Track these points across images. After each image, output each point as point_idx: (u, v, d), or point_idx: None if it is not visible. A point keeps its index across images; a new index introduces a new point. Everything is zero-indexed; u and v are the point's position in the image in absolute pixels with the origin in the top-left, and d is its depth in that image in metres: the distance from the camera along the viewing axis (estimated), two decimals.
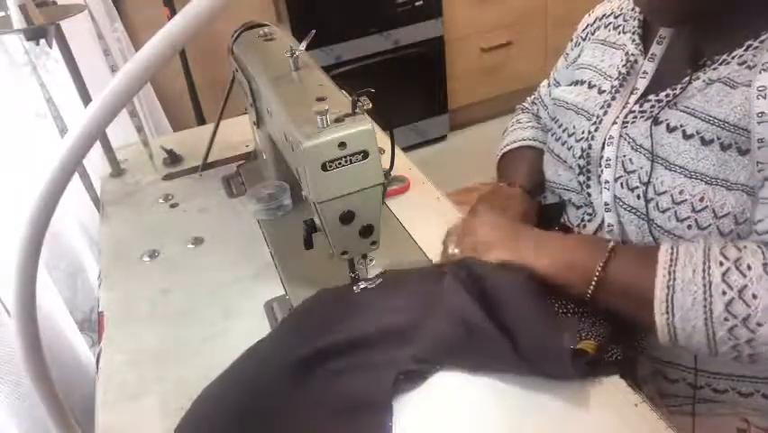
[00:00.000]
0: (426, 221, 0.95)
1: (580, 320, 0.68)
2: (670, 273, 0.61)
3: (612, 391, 0.64)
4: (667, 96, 0.71)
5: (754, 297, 0.57)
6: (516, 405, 0.63)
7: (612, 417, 0.61)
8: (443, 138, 2.86)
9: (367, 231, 0.72)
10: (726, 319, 0.58)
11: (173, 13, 1.92)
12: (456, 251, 0.76)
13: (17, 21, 0.99)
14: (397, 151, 0.97)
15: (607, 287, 0.66)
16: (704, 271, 0.60)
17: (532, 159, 0.97)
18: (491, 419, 0.63)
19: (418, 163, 1.10)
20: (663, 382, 0.77)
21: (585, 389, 0.64)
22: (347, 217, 0.70)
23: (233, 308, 0.82)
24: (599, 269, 0.66)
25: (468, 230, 0.77)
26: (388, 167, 0.77)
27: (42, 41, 1.03)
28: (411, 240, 0.91)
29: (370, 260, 0.83)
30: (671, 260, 0.62)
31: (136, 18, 2.06)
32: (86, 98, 1.14)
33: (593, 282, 0.66)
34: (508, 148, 1.02)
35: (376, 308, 0.74)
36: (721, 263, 0.59)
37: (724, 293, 0.58)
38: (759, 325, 0.57)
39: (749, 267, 0.58)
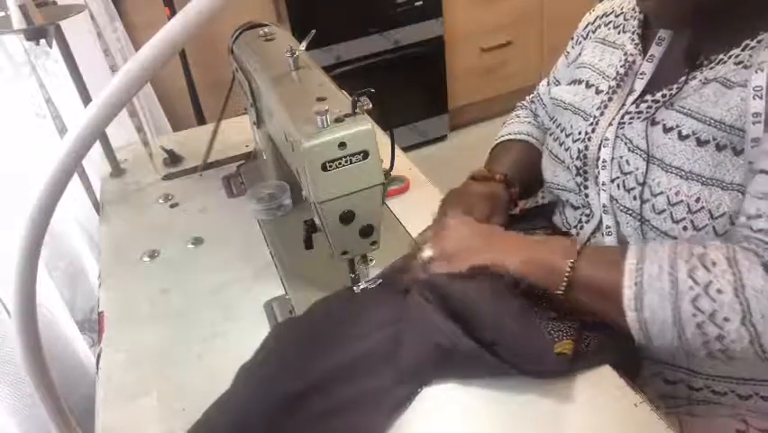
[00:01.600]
0: (426, 221, 0.94)
1: (549, 321, 0.68)
2: (637, 270, 0.61)
3: (612, 391, 0.64)
4: (663, 96, 0.71)
5: (719, 292, 0.57)
6: (516, 406, 0.63)
7: (612, 417, 0.61)
8: (443, 138, 2.86)
9: (367, 231, 0.72)
10: (693, 315, 0.58)
11: (173, 13, 1.92)
12: (429, 254, 0.74)
13: (17, 21, 0.99)
14: (397, 151, 0.97)
15: (578, 285, 0.66)
16: (670, 266, 0.60)
17: (521, 151, 0.97)
18: (490, 421, 0.63)
19: (418, 163, 1.10)
20: (662, 383, 0.77)
21: (585, 389, 0.64)
22: (347, 217, 0.70)
23: (233, 308, 0.82)
24: (569, 267, 0.66)
25: (439, 238, 0.76)
26: (388, 167, 0.77)
27: (42, 41, 1.03)
28: (411, 240, 0.91)
29: (371, 260, 0.83)
30: (637, 257, 0.62)
31: (136, 18, 2.06)
32: (86, 98, 1.14)
33: (564, 281, 0.66)
34: (500, 140, 1.02)
35: (350, 334, 0.72)
36: (687, 260, 0.60)
37: (691, 288, 0.58)
38: (726, 320, 0.57)
39: (713, 263, 0.59)
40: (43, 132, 1.46)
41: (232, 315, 0.81)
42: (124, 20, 2.01)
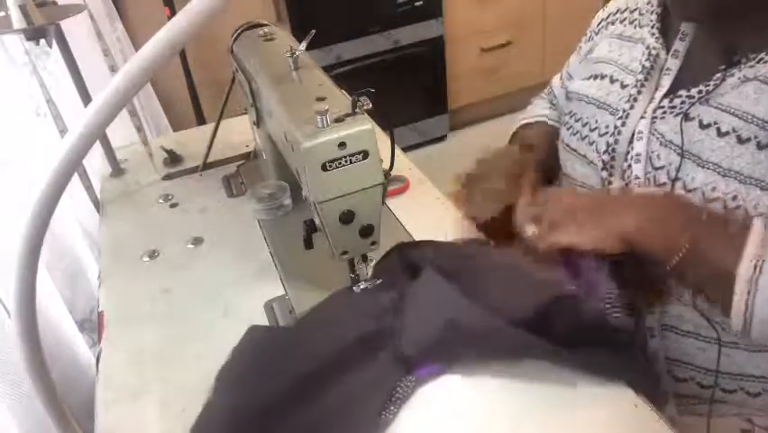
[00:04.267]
0: (426, 221, 0.95)
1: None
2: (759, 256, 0.58)
3: (612, 391, 0.64)
4: (699, 92, 0.70)
5: None
6: (516, 406, 0.63)
7: (612, 417, 0.61)
8: (443, 138, 2.86)
9: (367, 231, 0.72)
10: None
11: (173, 13, 1.93)
12: (533, 230, 0.72)
13: (17, 21, 0.99)
14: (397, 151, 0.97)
15: (692, 259, 0.62)
16: None
17: (551, 135, 0.96)
18: (489, 420, 0.63)
19: (418, 163, 1.10)
20: (672, 381, 0.77)
21: (585, 389, 0.64)
22: (347, 217, 0.70)
23: (233, 308, 0.82)
24: (688, 241, 0.62)
25: (545, 209, 0.72)
26: (388, 167, 0.77)
27: (42, 41, 1.03)
28: (411, 240, 0.91)
29: (371, 260, 0.83)
30: (763, 240, 0.59)
31: (136, 18, 2.06)
32: (86, 98, 1.14)
33: (679, 254, 0.62)
34: (526, 121, 1.01)
35: (331, 335, 0.71)
36: None
37: None
38: None
39: None
40: (43, 132, 1.46)
41: (232, 315, 0.81)
42: (124, 20, 2.01)
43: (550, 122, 1.00)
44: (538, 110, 1.02)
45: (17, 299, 0.40)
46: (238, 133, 1.28)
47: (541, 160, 0.90)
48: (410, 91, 2.64)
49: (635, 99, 0.76)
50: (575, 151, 0.84)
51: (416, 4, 2.44)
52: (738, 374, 0.73)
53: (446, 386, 0.66)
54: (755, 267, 0.58)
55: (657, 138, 0.73)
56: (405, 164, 1.10)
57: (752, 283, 0.58)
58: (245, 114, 1.03)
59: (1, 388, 0.93)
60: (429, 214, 0.97)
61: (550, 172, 0.93)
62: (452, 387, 0.66)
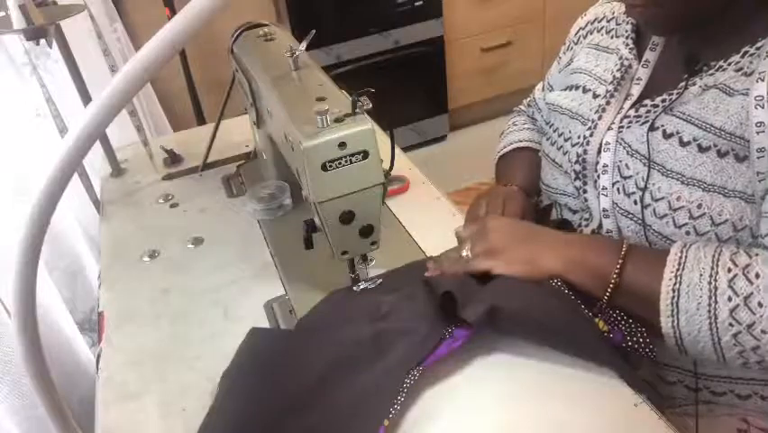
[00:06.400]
0: (426, 221, 0.95)
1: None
2: (676, 277, 0.61)
3: (612, 391, 0.64)
4: (663, 101, 0.71)
5: (760, 305, 0.57)
6: (515, 405, 0.63)
7: (612, 417, 0.61)
8: (443, 138, 2.86)
9: (367, 231, 0.72)
10: (730, 325, 0.58)
11: (173, 13, 1.92)
12: (468, 254, 0.74)
13: (17, 21, 0.99)
14: (397, 151, 0.97)
15: (622, 291, 0.66)
16: (711, 276, 0.59)
17: (528, 160, 0.97)
18: (489, 419, 0.63)
19: (418, 163, 1.10)
20: (662, 384, 0.77)
21: (585, 389, 0.64)
22: (347, 217, 0.70)
23: (233, 308, 0.82)
24: (615, 274, 0.65)
25: (480, 235, 0.75)
26: (388, 167, 0.77)
27: (42, 41, 1.03)
28: (411, 240, 0.91)
29: (371, 260, 0.83)
30: (679, 263, 0.61)
31: (136, 18, 2.06)
32: (86, 98, 1.14)
33: (610, 288, 0.65)
34: (505, 150, 1.02)
35: (332, 340, 0.71)
36: (729, 270, 0.59)
37: (729, 299, 0.58)
38: (764, 332, 0.57)
39: (757, 275, 0.58)
40: (43, 132, 1.46)
41: (232, 315, 0.81)
42: (124, 20, 2.01)
43: (525, 144, 1.00)
44: (514, 135, 1.03)
45: (17, 298, 0.40)
46: (238, 133, 1.28)
47: (523, 188, 0.94)
48: (410, 91, 2.64)
49: (604, 109, 0.78)
50: (553, 160, 0.85)
51: (416, 4, 2.44)
52: (726, 377, 0.73)
53: (448, 384, 0.66)
54: (674, 290, 0.61)
55: (624, 148, 0.74)
56: (405, 164, 1.10)
57: (673, 306, 0.60)
58: (245, 114, 1.03)
59: (1, 388, 0.93)
60: (429, 214, 0.97)
61: (534, 192, 0.96)
62: (446, 385, 0.66)
